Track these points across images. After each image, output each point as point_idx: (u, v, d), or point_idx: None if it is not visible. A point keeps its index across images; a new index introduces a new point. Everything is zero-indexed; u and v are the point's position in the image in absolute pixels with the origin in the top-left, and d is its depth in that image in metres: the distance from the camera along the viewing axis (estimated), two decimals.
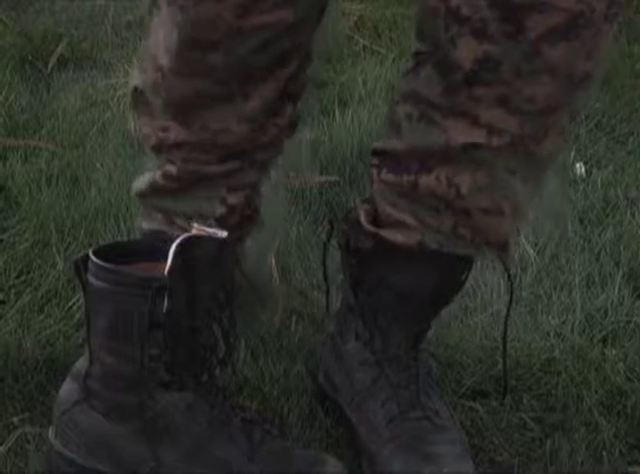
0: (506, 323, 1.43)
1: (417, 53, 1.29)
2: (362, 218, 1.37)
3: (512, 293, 1.42)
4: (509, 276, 1.41)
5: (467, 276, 1.38)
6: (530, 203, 1.35)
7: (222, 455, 1.26)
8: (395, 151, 1.32)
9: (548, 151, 1.30)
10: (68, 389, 1.30)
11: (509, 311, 1.43)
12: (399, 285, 1.35)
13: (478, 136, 1.26)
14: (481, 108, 1.25)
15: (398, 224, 1.33)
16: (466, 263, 1.36)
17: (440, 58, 1.25)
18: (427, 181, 1.30)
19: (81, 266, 1.26)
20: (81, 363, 1.29)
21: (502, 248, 1.34)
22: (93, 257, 1.25)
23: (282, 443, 1.31)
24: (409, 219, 1.33)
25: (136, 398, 1.25)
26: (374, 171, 1.35)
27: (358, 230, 1.37)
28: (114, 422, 1.26)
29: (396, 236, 1.33)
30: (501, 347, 1.45)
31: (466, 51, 1.22)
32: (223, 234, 1.26)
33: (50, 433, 1.30)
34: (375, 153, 1.36)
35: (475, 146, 1.26)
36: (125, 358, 1.25)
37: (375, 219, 1.36)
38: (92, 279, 1.25)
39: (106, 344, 1.26)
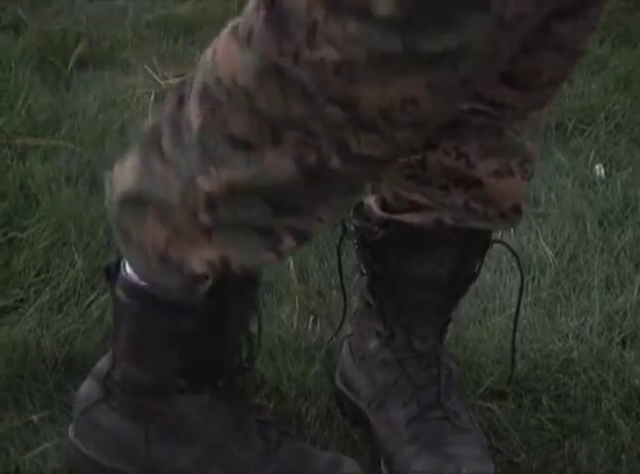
0: (517, 310, 1.43)
1: None
2: (374, 208, 1.37)
3: (522, 279, 1.43)
4: (518, 262, 1.43)
5: (481, 264, 1.38)
6: (537, 162, 1.35)
7: (239, 457, 1.26)
8: None
9: (546, 114, 1.33)
10: (88, 388, 1.30)
11: (520, 298, 1.43)
12: (417, 273, 1.35)
13: (481, 107, 1.27)
14: (485, 84, 1.26)
15: (411, 206, 1.34)
16: (481, 242, 1.36)
17: None
18: (435, 156, 1.30)
19: (113, 271, 1.25)
20: (103, 363, 1.29)
21: (514, 211, 1.34)
22: (125, 271, 1.23)
23: (300, 445, 1.30)
24: (421, 199, 1.33)
25: (154, 404, 1.25)
26: None
27: (371, 222, 1.37)
28: (131, 423, 1.26)
29: (412, 217, 1.33)
30: (512, 345, 1.45)
31: None
32: None
33: (70, 431, 1.30)
34: None
35: (477, 112, 1.27)
36: (146, 369, 1.24)
37: (386, 206, 1.36)
38: (120, 294, 1.24)
39: (128, 352, 1.25)
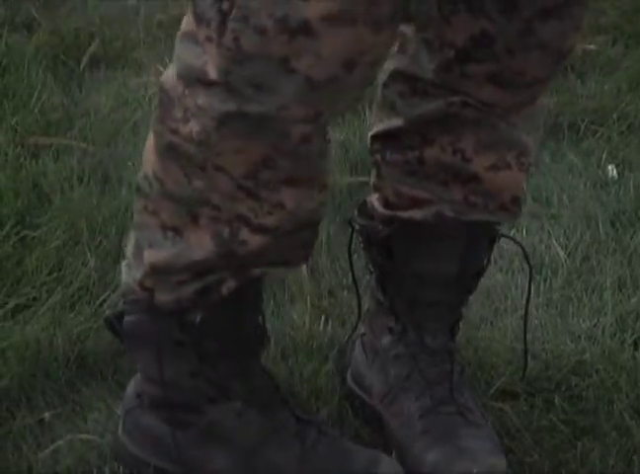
0: (526, 309, 1.44)
1: (403, 35, 1.30)
2: (377, 206, 1.38)
3: (530, 278, 1.44)
4: (526, 257, 1.44)
5: (489, 258, 1.39)
6: (536, 154, 1.37)
7: (274, 460, 1.26)
8: (395, 130, 1.33)
9: (540, 105, 1.35)
10: (132, 389, 1.32)
11: (529, 294, 1.44)
12: (425, 269, 1.36)
13: (470, 101, 1.30)
14: (472, 85, 1.28)
15: (412, 201, 1.35)
16: (487, 235, 1.37)
17: (430, 38, 1.28)
18: (432, 153, 1.32)
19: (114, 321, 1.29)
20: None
21: (514, 203, 1.36)
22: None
23: (338, 442, 1.30)
24: (422, 193, 1.34)
25: (185, 415, 1.27)
26: (378, 156, 1.36)
27: (374, 220, 1.38)
28: (165, 427, 1.28)
29: (414, 213, 1.35)
30: (524, 345, 1.45)
31: (461, 29, 1.24)
32: None
33: (119, 427, 1.32)
34: (376, 138, 1.37)
35: (466, 104, 1.29)
36: (170, 385, 1.26)
37: (389, 204, 1.37)
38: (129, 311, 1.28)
39: (149, 372, 1.28)
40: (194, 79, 1.15)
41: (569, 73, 2.29)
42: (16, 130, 2.00)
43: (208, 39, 1.13)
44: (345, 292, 1.64)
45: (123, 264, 1.29)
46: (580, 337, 1.59)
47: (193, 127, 1.16)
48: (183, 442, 1.27)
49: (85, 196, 1.83)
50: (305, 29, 1.09)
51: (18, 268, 1.66)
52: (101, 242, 1.72)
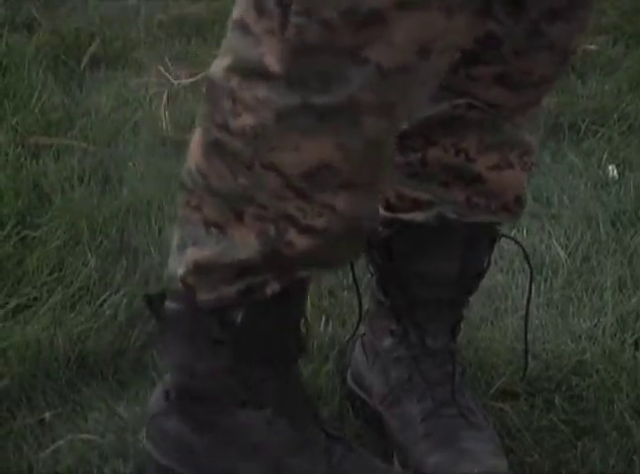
0: (527, 308, 1.44)
1: None
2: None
3: (531, 278, 1.44)
4: (526, 256, 1.44)
5: (490, 259, 1.39)
6: (537, 154, 1.37)
7: (301, 473, 1.24)
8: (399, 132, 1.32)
9: (544, 105, 1.36)
10: (157, 395, 1.29)
11: (530, 294, 1.44)
12: (425, 270, 1.36)
13: (476, 103, 1.29)
14: (479, 87, 1.28)
15: (414, 203, 1.34)
16: (488, 236, 1.37)
17: None
18: (434, 153, 1.32)
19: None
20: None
21: (516, 203, 1.35)
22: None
23: (365, 459, 1.28)
24: (423, 195, 1.34)
25: (213, 416, 1.24)
26: None
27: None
28: (193, 433, 1.25)
29: (415, 215, 1.34)
30: (525, 345, 1.45)
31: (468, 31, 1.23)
32: None
33: (144, 433, 1.30)
34: None
35: (472, 107, 1.29)
36: (201, 380, 1.23)
37: (390, 206, 1.37)
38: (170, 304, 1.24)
39: (182, 363, 1.25)
40: (251, 71, 1.10)
41: (569, 73, 2.29)
42: (16, 130, 2.00)
43: (270, 31, 1.08)
44: (345, 292, 1.64)
45: (171, 251, 1.24)
46: (580, 337, 1.59)
47: (246, 121, 1.11)
48: (209, 448, 1.24)
49: (85, 195, 1.83)
50: (375, 18, 1.05)
51: (18, 268, 1.66)
52: (101, 242, 1.72)
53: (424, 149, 1.32)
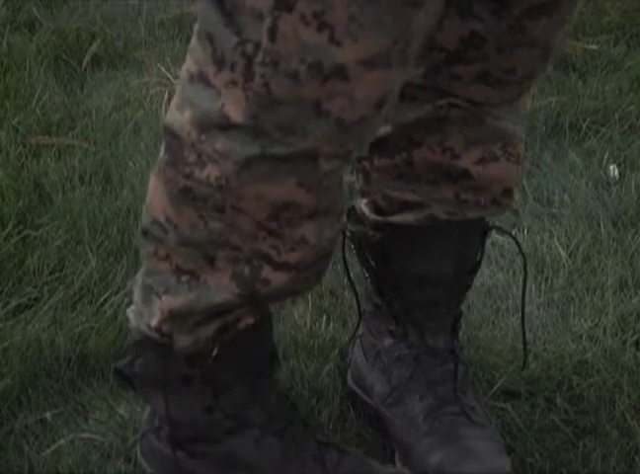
0: (523, 303, 1.44)
1: None
2: (366, 212, 1.37)
3: (525, 272, 1.44)
4: (520, 251, 1.44)
5: (483, 254, 1.39)
6: (523, 143, 1.37)
7: None
8: (383, 135, 1.32)
9: (526, 99, 1.36)
10: (150, 412, 1.30)
11: (524, 290, 1.44)
12: (420, 271, 1.36)
13: (458, 102, 1.30)
14: (461, 85, 1.28)
15: (404, 205, 1.35)
16: (479, 231, 1.37)
17: None
18: (420, 154, 1.32)
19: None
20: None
21: (505, 195, 1.35)
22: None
23: (361, 461, 1.29)
24: (412, 197, 1.34)
25: (203, 447, 1.26)
26: (366, 163, 1.35)
27: (365, 226, 1.37)
28: (187, 458, 1.26)
29: (405, 217, 1.34)
30: (524, 345, 1.45)
31: (452, 32, 1.24)
32: None
33: (138, 449, 1.31)
34: None
35: (454, 105, 1.29)
36: (187, 421, 1.25)
37: (379, 209, 1.37)
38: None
39: (163, 407, 1.26)
40: (211, 124, 1.11)
41: (571, 73, 2.30)
42: (17, 130, 2.00)
43: (231, 82, 1.09)
44: (346, 292, 1.64)
45: (130, 310, 1.25)
46: (581, 337, 1.59)
47: (210, 172, 1.13)
48: (201, 470, 1.25)
49: (86, 195, 1.83)
50: (340, 73, 1.07)
51: (19, 267, 1.66)
52: (102, 242, 1.72)
53: (409, 150, 1.32)
